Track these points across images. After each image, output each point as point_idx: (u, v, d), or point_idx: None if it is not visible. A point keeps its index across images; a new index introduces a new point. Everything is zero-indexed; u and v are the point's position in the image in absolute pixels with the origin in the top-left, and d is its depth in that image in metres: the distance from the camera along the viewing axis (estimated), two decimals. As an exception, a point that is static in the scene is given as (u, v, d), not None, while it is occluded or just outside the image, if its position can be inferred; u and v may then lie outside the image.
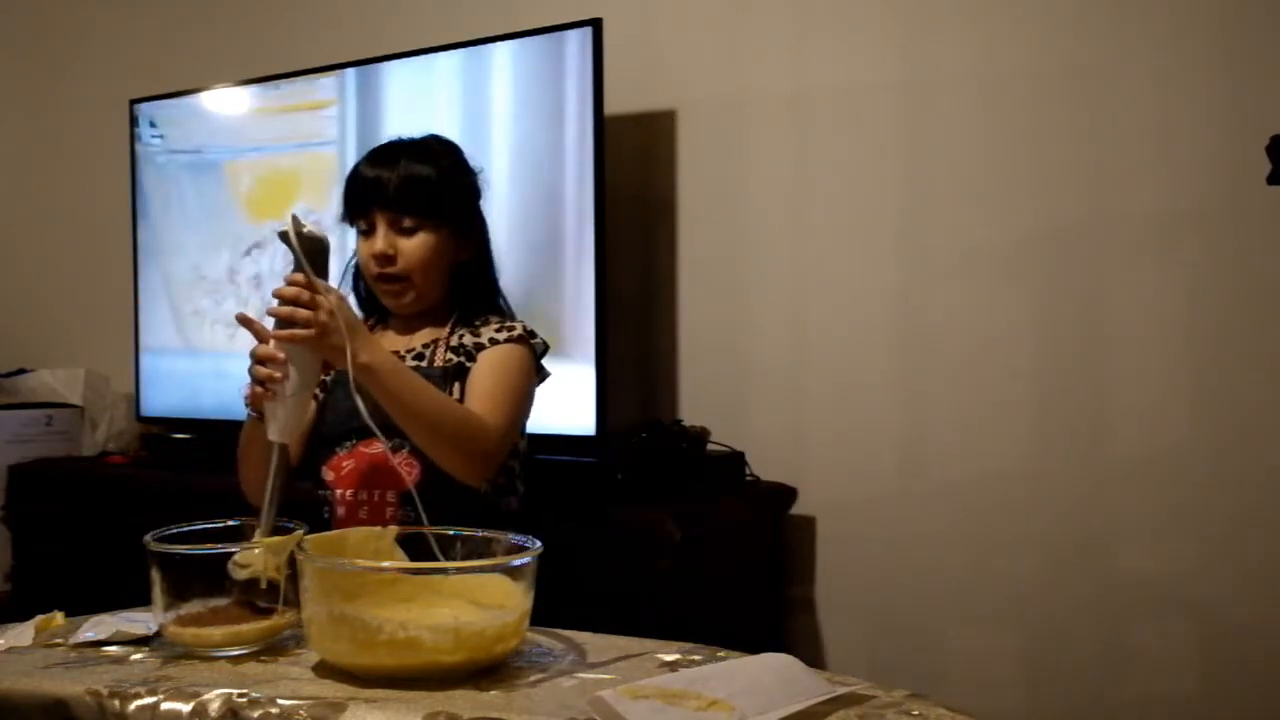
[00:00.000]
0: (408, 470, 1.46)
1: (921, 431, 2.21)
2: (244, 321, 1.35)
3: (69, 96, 3.47)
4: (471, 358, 1.56)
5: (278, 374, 1.28)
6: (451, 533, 1.21)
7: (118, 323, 3.15)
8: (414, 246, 1.57)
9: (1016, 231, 2.12)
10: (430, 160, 1.60)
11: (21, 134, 3.59)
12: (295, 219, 1.28)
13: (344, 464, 1.53)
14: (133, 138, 2.99)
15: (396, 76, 2.53)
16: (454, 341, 1.59)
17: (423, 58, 2.47)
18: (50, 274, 3.52)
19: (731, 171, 2.40)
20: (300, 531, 1.18)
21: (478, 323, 1.61)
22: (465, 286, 1.64)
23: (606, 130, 2.23)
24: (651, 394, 2.46)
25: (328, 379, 1.56)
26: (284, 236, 1.28)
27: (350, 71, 2.59)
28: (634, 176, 2.46)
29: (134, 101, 2.98)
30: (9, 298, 3.55)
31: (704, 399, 2.41)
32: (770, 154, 2.36)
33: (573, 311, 2.25)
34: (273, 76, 2.73)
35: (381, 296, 1.61)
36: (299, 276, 1.30)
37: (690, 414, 2.37)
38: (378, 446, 1.44)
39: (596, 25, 2.21)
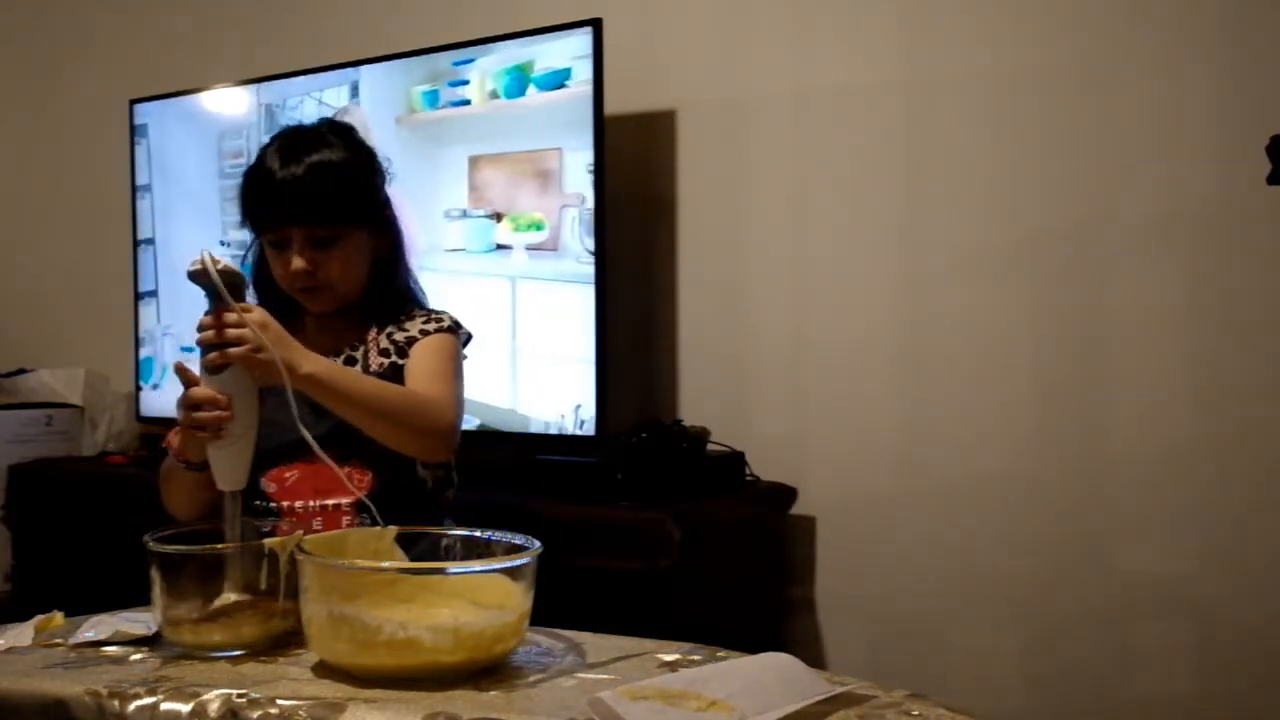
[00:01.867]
0: (359, 481, 1.45)
1: (922, 431, 2.21)
2: (180, 371, 1.30)
3: (69, 96, 3.47)
4: (404, 353, 1.56)
5: (225, 414, 1.23)
6: (450, 532, 1.21)
7: (118, 323, 3.15)
8: (335, 259, 1.54)
9: (1016, 231, 2.12)
10: (337, 158, 1.54)
11: (21, 134, 3.59)
12: (209, 255, 1.22)
13: (286, 475, 1.51)
14: (133, 138, 2.99)
15: (396, 77, 2.52)
16: (383, 343, 1.58)
17: (422, 58, 2.47)
18: (50, 274, 3.51)
19: (731, 171, 2.40)
20: (300, 533, 1.18)
21: (402, 318, 1.61)
22: (385, 283, 1.63)
23: (606, 130, 2.23)
24: (651, 394, 2.46)
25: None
26: (197, 275, 1.23)
27: (350, 71, 2.59)
28: (634, 176, 2.46)
29: (134, 101, 2.98)
30: (9, 298, 3.55)
31: (704, 399, 2.41)
32: (770, 154, 2.36)
33: (573, 311, 2.24)
34: (273, 76, 2.73)
35: (300, 301, 1.59)
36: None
37: (690, 414, 2.37)
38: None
39: (596, 25, 2.21)
